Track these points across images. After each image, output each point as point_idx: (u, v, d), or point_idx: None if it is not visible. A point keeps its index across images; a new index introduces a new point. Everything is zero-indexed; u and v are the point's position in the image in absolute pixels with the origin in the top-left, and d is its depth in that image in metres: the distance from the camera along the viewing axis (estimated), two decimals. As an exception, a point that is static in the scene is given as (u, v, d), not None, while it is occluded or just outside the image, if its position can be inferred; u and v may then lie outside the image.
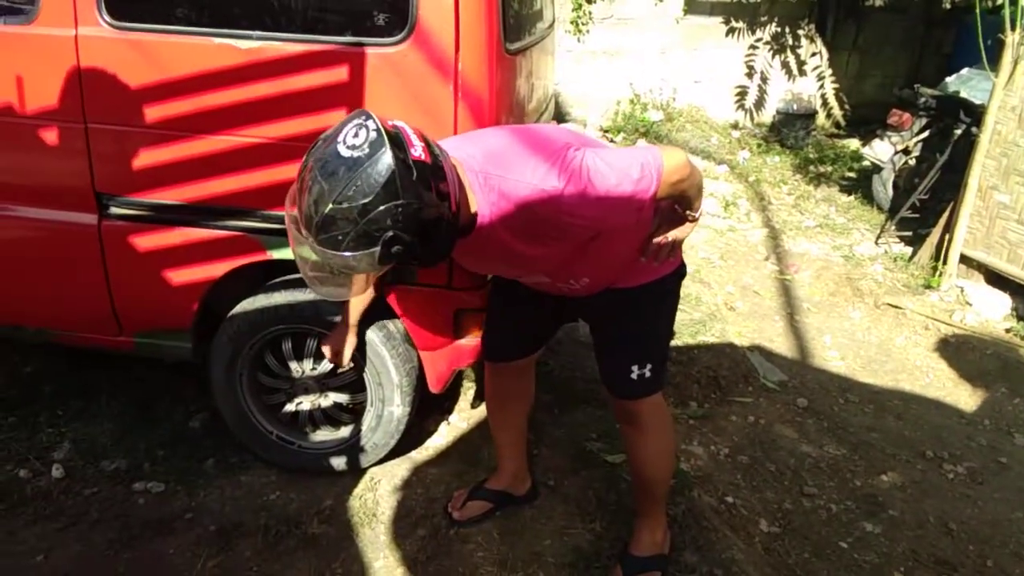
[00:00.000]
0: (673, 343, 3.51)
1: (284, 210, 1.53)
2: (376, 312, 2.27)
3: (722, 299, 4.04)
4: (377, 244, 1.41)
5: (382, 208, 1.38)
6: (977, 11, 4.01)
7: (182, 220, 2.22)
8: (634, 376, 1.98)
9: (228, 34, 2.03)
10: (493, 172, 1.59)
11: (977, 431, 3.10)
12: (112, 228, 2.25)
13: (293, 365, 2.39)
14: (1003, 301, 4.03)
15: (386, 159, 1.38)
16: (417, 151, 1.43)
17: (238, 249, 2.24)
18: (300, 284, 2.29)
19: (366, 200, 1.38)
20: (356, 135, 1.41)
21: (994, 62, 4.04)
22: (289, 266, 2.27)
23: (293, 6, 2.08)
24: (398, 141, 1.42)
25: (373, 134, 1.40)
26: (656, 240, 1.83)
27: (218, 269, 2.26)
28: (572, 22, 6.20)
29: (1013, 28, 3.84)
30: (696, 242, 4.63)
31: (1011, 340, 3.78)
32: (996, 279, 4.13)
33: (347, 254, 1.42)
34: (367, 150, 1.39)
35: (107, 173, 2.19)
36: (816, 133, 6.98)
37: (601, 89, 6.56)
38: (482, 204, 1.59)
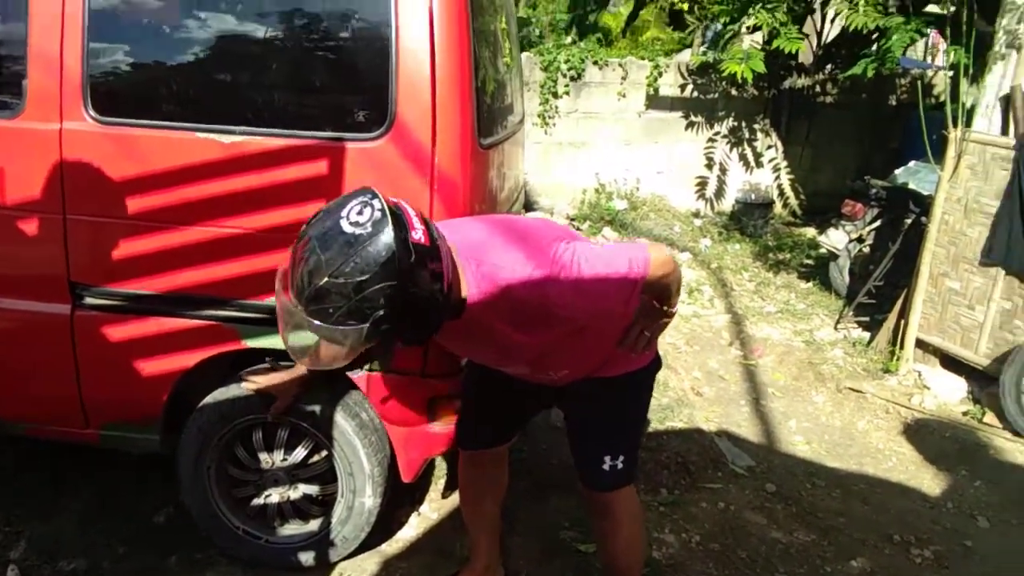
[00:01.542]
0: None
1: (273, 295, 1.55)
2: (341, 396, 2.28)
3: (689, 384, 4.10)
4: (367, 321, 1.41)
5: (377, 287, 1.40)
6: (921, 109, 4.27)
7: (157, 310, 2.22)
8: (606, 467, 1.98)
9: (211, 129, 2.10)
10: (486, 260, 1.61)
11: (941, 514, 3.15)
12: (85, 318, 2.25)
13: (263, 456, 2.37)
14: (959, 385, 4.14)
15: (387, 239, 1.40)
16: (417, 233, 1.45)
17: (213, 338, 2.25)
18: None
19: (363, 278, 1.39)
20: (360, 212, 1.42)
21: (939, 155, 4.28)
22: (263, 355, 2.29)
23: (275, 102, 2.17)
24: (400, 222, 1.44)
25: (378, 213, 1.42)
26: (634, 332, 1.85)
27: (191, 359, 2.26)
28: (540, 115, 6.44)
29: (955, 125, 4.09)
30: (662, 327, 4.70)
31: (968, 423, 3.88)
32: (951, 363, 4.25)
33: (336, 327, 1.42)
34: (370, 228, 1.40)
35: (83, 263, 2.21)
36: (774, 222, 7.22)
37: (568, 179, 6.77)
38: (472, 288, 1.60)
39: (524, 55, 6.05)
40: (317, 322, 1.43)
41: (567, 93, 6.55)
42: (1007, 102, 3.96)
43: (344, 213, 1.43)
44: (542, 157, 6.60)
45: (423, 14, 2.03)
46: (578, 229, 6.37)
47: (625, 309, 1.76)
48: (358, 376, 2.26)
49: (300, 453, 2.36)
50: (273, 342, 2.23)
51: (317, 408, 2.28)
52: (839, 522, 3.00)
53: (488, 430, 2.21)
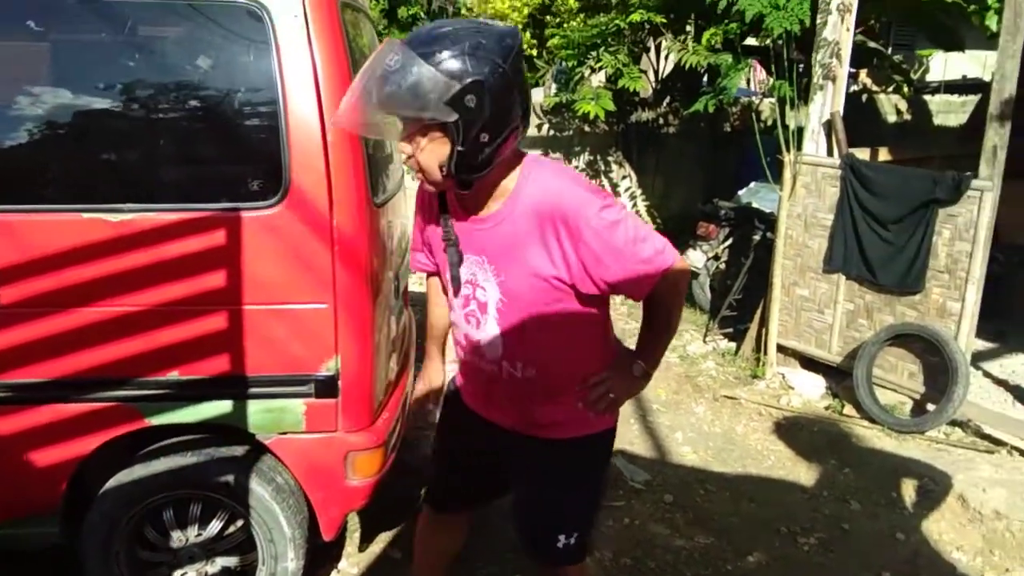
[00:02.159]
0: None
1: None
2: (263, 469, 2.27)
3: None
4: (461, 81, 1.44)
5: (491, 56, 1.46)
6: (757, 135, 4.72)
7: (51, 397, 2.14)
8: (560, 545, 1.86)
9: (98, 208, 2.06)
10: (547, 167, 1.67)
11: (819, 503, 3.46)
12: (-31, 414, 2.12)
13: (175, 534, 2.30)
14: (818, 382, 4.56)
15: (514, 38, 1.52)
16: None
17: (113, 420, 2.18)
18: (182, 448, 2.26)
19: (483, 36, 1.48)
20: None
21: (776, 176, 4.74)
22: (169, 431, 2.24)
23: (166, 176, 2.17)
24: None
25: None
26: (600, 389, 1.80)
27: (91, 443, 2.18)
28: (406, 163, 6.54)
29: (787, 149, 4.55)
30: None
31: (831, 416, 4.27)
32: (810, 363, 4.67)
33: (435, 71, 1.43)
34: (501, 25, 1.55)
35: (-35, 356, 2.09)
36: (636, 246, 7.64)
37: (438, 221, 6.87)
38: (524, 181, 1.63)
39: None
40: (418, 60, 1.43)
41: (431, 139, 6.69)
42: (829, 127, 4.46)
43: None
44: (412, 202, 6.69)
45: (309, 79, 2.10)
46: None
47: (640, 288, 1.68)
48: (271, 440, 2.26)
49: (215, 526, 2.31)
50: (180, 416, 2.20)
51: (230, 478, 2.25)
52: (732, 522, 3.24)
53: (457, 492, 2.08)
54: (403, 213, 3.13)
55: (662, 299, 1.74)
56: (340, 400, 2.24)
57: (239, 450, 2.29)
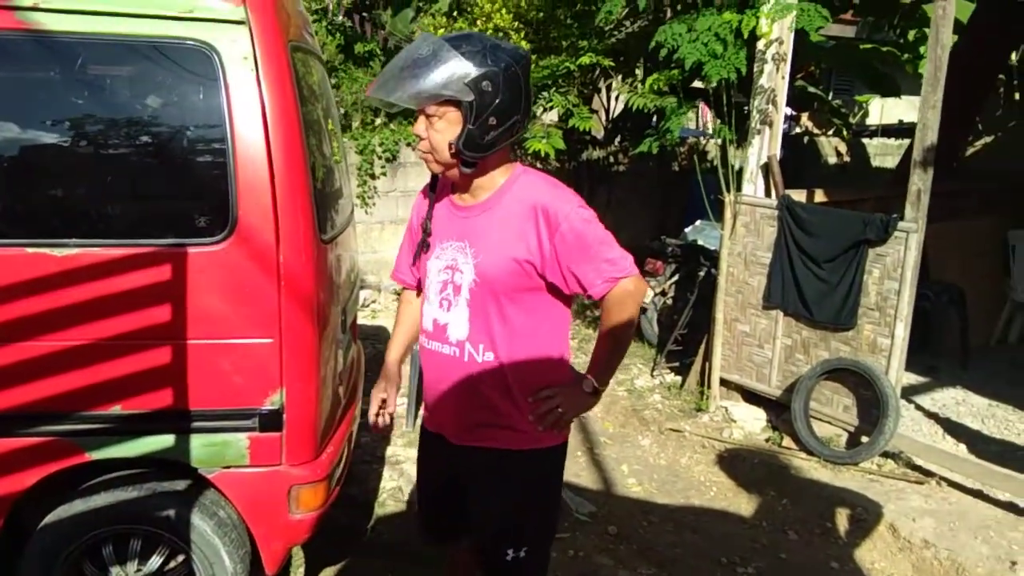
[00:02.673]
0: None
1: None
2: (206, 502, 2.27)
3: (529, 443, 4.33)
4: (479, 68, 1.69)
5: (506, 57, 1.72)
6: (698, 174, 4.90)
7: (-11, 431, 2.12)
8: (508, 559, 1.92)
9: (43, 243, 2.08)
10: (532, 173, 1.91)
11: (758, 533, 3.55)
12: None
13: (115, 570, 2.28)
14: (759, 415, 4.69)
15: (527, 54, 1.80)
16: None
17: (52, 454, 2.17)
18: (123, 483, 2.25)
19: (501, 44, 1.75)
20: None
21: (718, 215, 4.91)
22: (109, 465, 2.24)
23: (112, 212, 2.19)
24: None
25: None
26: (549, 404, 1.87)
27: (29, 478, 2.16)
28: (359, 196, 6.60)
29: (728, 190, 4.72)
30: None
31: (771, 448, 4.40)
32: (751, 396, 4.81)
33: (460, 59, 1.69)
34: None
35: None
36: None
37: (393, 255, 6.91)
38: (513, 174, 1.87)
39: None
40: (448, 48, 1.69)
41: (384, 174, 6.78)
42: (767, 169, 4.66)
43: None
44: (364, 235, 6.74)
45: (257, 118, 2.16)
46: (406, 304, 6.54)
47: (600, 288, 1.81)
48: (214, 474, 2.27)
49: (156, 561, 2.30)
50: (121, 451, 2.20)
51: (171, 512, 2.25)
52: (675, 553, 3.31)
53: (439, 523, 2.14)
54: (352, 247, 3.18)
55: (616, 305, 1.85)
56: (284, 434, 2.26)
57: (181, 484, 2.29)
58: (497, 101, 1.72)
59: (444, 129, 1.75)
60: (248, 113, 2.15)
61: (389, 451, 4.05)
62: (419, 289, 2.09)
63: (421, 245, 1.95)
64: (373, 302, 6.48)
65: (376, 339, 5.66)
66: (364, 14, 7.88)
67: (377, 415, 2.10)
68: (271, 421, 2.25)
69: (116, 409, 2.17)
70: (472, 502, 1.98)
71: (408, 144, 6.87)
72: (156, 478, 2.28)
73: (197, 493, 2.29)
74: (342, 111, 8.70)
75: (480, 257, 1.83)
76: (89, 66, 2.19)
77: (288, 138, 2.20)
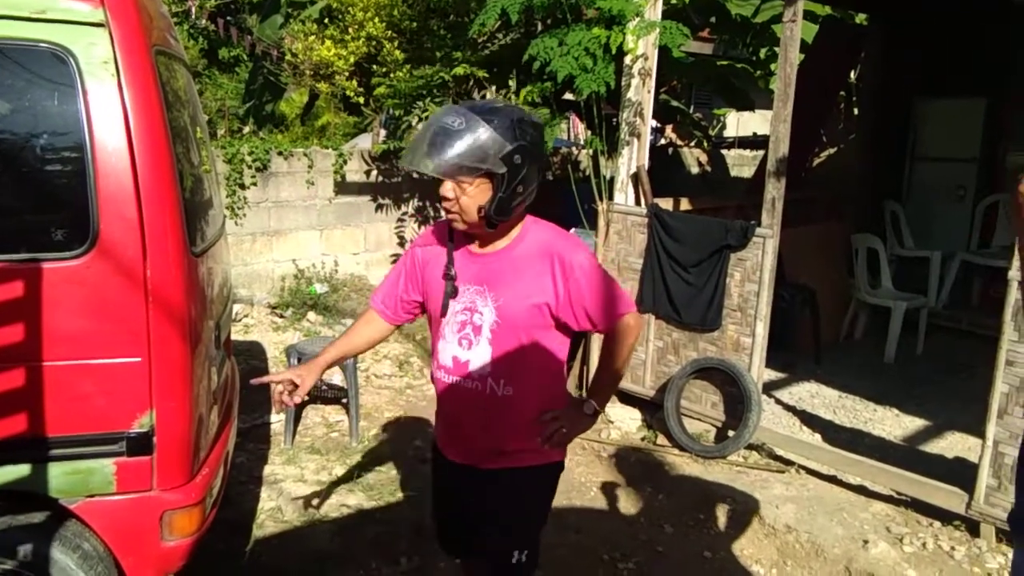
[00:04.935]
0: (375, 503, 3.66)
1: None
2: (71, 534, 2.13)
3: (413, 454, 4.30)
4: (511, 144, 1.85)
5: (530, 131, 1.90)
6: (573, 185, 5.04)
7: None
8: (515, 561, 2.12)
9: None
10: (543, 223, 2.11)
11: (637, 528, 3.69)
12: None
13: (-38, 616, 2.10)
14: (635, 415, 4.87)
15: (541, 123, 1.99)
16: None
17: None
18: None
19: (524, 116, 1.91)
20: None
21: (592, 223, 5.07)
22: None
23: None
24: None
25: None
26: (554, 426, 2.06)
27: None
28: (229, 207, 6.35)
29: (601, 198, 4.89)
30: (380, 404, 4.89)
31: (647, 446, 4.57)
32: (627, 398, 4.98)
33: (494, 132, 1.84)
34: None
35: None
36: (466, 290, 7.81)
37: (265, 268, 6.73)
38: (527, 228, 2.05)
39: (206, 148, 5.97)
40: (482, 122, 1.84)
41: (254, 184, 6.56)
42: (636, 179, 4.86)
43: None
44: (235, 248, 6.49)
45: (119, 125, 2.06)
46: (281, 316, 6.35)
47: (605, 323, 2.04)
48: (77, 504, 2.13)
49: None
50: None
51: (28, 548, 2.09)
52: (559, 553, 3.38)
53: (456, 538, 2.32)
54: (225, 260, 3.07)
55: (618, 337, 2.09)
56: (155, 457, 2.16)
57: (39, 516, 2.13)
58: (524, 172, 1.89)
59: (475, 195, 1.89)
60: (109, 120, 2.05)
61: (267, 470, 3.92)
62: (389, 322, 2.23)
63: (449, 293, 2.04)
64: (246, 316, 6.25)
65: (250, 355, 5.47)
66: (229, 18, 7.62)
67: (282, 393, 2.06)
68: (140, 444, 2.13)
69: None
70: (490, 514, 2.15)
71: (279, 153, 6.69)
72: (11, 511, 2.11)
73: (58, 525, 2.14)
74: (207, 118, 8.38)
75: (501, 300, 2.00)
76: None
77: (153, 146, 2.11)
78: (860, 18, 8.02)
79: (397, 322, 2.23)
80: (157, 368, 2.12)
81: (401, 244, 7.62)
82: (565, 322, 2.03)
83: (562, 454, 2.20)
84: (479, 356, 2.02)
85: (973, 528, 3.56)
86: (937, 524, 3.66)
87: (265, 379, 2.11)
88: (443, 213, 1.98)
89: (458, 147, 1.83)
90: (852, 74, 8.62)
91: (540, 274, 1.99)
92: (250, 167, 6.50)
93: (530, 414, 2.06)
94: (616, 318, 2.06)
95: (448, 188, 1.90)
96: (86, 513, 2.14)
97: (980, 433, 3.53)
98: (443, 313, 2.05)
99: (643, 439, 4.67)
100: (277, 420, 4.46)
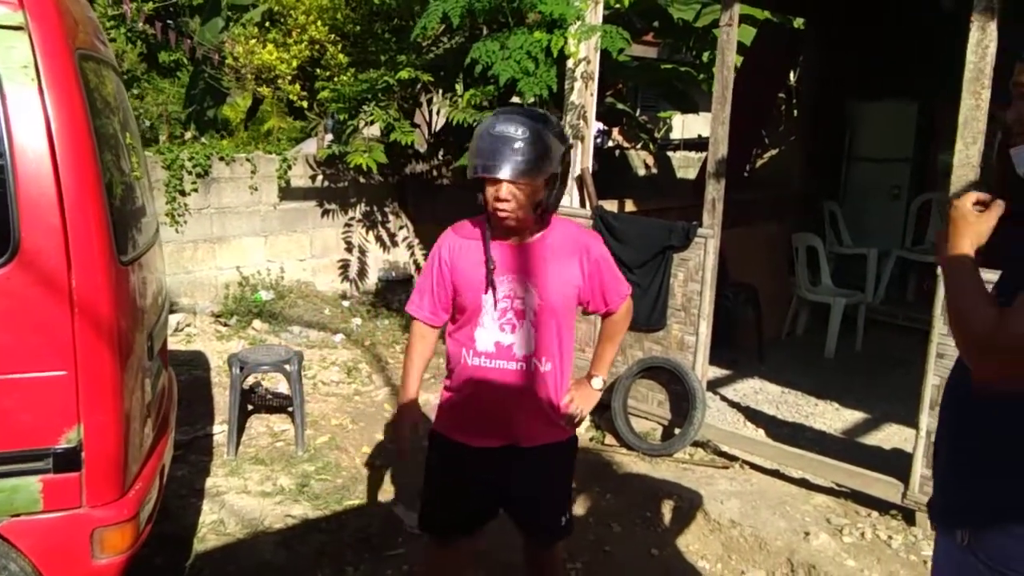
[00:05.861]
0: (320, 513, 3.61)
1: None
2: None
3: (360, 461, 4.26)
4: (564, 146, 2.14)
5: (564, 132, 2.19)
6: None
7: None
8: (563, 523, 2.41)
9: None
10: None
11: (586, 528, 3.70)
12: None
13: None
14: (584, 416, 4.89)
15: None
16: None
17: None
18: None
19: (555, 119, 2.22)
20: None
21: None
22: None
23: None
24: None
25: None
26: (573, 407, 2.33)
27: None
28: (168, 214, 6.21)
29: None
30: (327, 411, 4.83)
31: (595, 446, 4.60)
32: (575, 399, 5.01)
33: (554, 140, 2.09)
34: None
35: None
36: (415, 295, 7.78)
37: (207, 276, 6.59)
38: (552, 224, 2.27)
39: (145, 153, 5.83)
40: (545, 131, 2.07)
41: (195, 190, 6.43)
42: (581, 181, 4.89)
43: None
44: (176, 256, 6.36)
45: (40, 132, 2.00)
46: (225, 325, 6.23)
47: (607, 306, 2.32)
48: (1, 524, 2.05)
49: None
50: None
51: (-51, 572, 2.02)
52: (509, 557, 3.37)
53: (455, 514, 2.39)
54: (159, 268, 3.00)
55: (622, 315, 2.39)
56: (84, 473, 2.10)
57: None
58: (565, 169, 2.17)
59: (531, 194, 2.10)
60: (29, 127, 1.99)
61: (209, 482, 3.84)
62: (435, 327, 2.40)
63: (490, 284, 2.20)
64: (188, 326, 6.12)
65: (193, 365, 5.35)
66: (169, 22, 7.45)
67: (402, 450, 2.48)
68: (67, 460, 2.07)
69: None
70: (530, 488, 2.35)
71: (221, 159, 6.56)
72: (-71, 535, 2.03)
73: (-20, 547, 2.06)
74: (147, 123, 8.18)
75: (543, 285, 2.21)
76: None
77: (76, 152, 2.05)
78: (798, 22, 8.20)
79: (441, 325, 2.39)
80: (84, 381, 2.06)
81: (348, 249, 7.55)
82: (585, 303, 2.31)
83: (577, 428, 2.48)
84: (523, 338, 2.23)
85: (909, 517, 3.67)
86: (875, 514, 3.76)
87: (406, 452, 2.51)
88: (497, 213, 2.13)
89: (529, 154, 2.04)
90: (792, 76, 8.83)
91: (571, 262, 2.24)
92: (190, 173, 6.37)
93: (565, 385, 2.33)
94: (622, 299, 2.35)
95: (506, 190, 2.07)
96: (11, 533, 2.07)
97: (915, 424, 3.64)
98: (482, 304, 2.23)
99: (592, 439, 4.69)
100: (220, 431, 4.37)
